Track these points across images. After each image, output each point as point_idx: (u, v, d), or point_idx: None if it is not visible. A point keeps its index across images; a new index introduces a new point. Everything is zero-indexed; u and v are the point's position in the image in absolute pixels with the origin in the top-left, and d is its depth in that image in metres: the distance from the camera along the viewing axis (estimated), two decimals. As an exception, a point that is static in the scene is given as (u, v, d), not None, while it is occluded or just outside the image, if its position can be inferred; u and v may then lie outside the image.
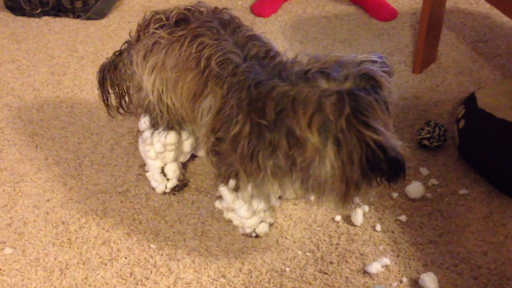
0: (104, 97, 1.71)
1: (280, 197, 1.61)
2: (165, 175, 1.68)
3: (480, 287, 1.45)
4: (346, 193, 1.16)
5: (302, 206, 1.66)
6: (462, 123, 1.78)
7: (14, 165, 1.84)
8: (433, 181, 1.72)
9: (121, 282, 1.49)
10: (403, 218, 1.62)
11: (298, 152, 1.15)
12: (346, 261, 1.52)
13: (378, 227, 1.60)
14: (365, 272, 1.49)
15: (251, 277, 1.49)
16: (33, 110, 2.06)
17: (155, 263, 1.53)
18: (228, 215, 1.52)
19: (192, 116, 1.42)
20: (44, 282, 1.50)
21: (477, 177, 1.73)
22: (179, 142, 1.61)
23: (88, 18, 2.56)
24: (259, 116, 1.17)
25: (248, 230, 1.55)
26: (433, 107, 2.00)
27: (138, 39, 1.51)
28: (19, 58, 2.33)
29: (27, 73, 2.25)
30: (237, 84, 1.26)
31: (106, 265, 1.53)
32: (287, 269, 1.51)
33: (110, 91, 1.69)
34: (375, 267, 1.48)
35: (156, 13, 1.49)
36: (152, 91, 1.47)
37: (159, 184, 1.69)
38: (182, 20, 1.45)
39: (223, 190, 1.43)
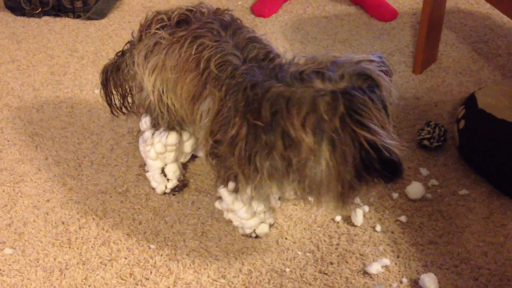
0: (108, 98, 1.71)
1: (280, 198, 1.61)
2: (165, 175, 1.68)
3: (480, 288, 1.45)
4: (343, 193, 1.15)
5: (302, 206, 1.66)
6: (462, 123, 1.78)
7: (14, 165, 1.84)
8: (433, 181, 1.72)
9: (120, 282, 1.49)
10: (403, 218, 1.62)
11: (294, 153, 1.14)
12: (346, 262, 1.52)
13: (378, 228, 1.60)
14: (365, 273, 1.49)
15: (251, 278, 1.49)
16: (33, 110, 2.06)
17: (155, 263, 1.53)
18: (228, 215, 1.52)
19: (192, 118, 1.42)
20: (44, 283, 1.50)
21: (477, 177, 1.73)
22: (180, 143, 1.61)
23: (88, 18, 2.56)
24: (255, 117, 1.17)
25: (248, 231, 1.55)
26: (433, 107, 2.00)
27: (140, 39, 1.51)
28: (19, 58, 2.33)
29: (27, 73, 2.25)
30: (235, 86, 1.26)
31: (105, 265, 1.53)
32: (287, 270, 1.51)
33: (114, 92, 1.69)
34: (375, 268, 1.48)
35: (158, 13, 1.49)
36: (153, 92, 1.47)
37: (159, 185, 1.69)
38: (183, 20, 1.45)
39: (223, 192, 1.43)
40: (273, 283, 1.48)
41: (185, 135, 1.61)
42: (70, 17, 2.58)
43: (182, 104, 1.43)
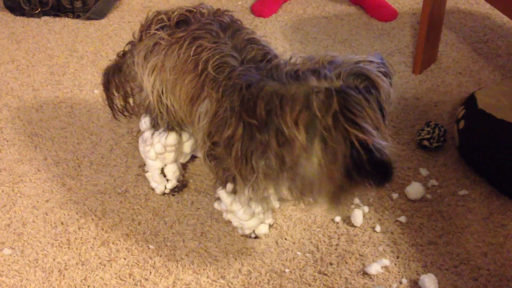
0: (110, 100, 1.71)
1: (279, 199, 1.60)
2: (164, 175, 1.68)
3: (480, 289, 1.45)
4: (334, 193, 1.14)
5: (301, 207, 1.65)
6: (462, 123, 1.78)
7: (13, 166, 1.84)
8: (433, 182, 1.72)
9: (120, 283, 1.49)
10: (402, 219, 1.62)
11: (287, 151, 1.13)
12: (346, 262, 1.52)
13: (378, 228, 1.59)
14: (364, 273, 1.49)
15: (250, 278, 1.49)
16: (33, 110, 2.06)
17: (154, 264, 1.53)
18: (227, 216, 1.52)
19: (190, 119, 1.42)
20: (43, 283, 1.49)
21: (477, 177, 1.73)
22: (179, 143, 1.61)
23: (88, 18, 2.55)
24: (250, 116, 1.15)
25: (247, 231, 1.55)
26: (433, 107, 2.00)
27: (140, 39, 1.51)
28: (18, 58, 2.33)
29: (27, 73, 2.24)
30: (231, 87, 1.26)
31: (105, 266, 1.53)
32: (287, 270, 1.51)
33: (115, 94, 1.69)
34: (374, 268, 1.48)
35: (158, 13, 1.49)
36: (152, 92, 1.47)
37: (159, 185, 1.69)
38: (183, 21, 1.45)
39: (221, 193, 1.43)
40: (272, 283, 1.48)
41: (185, 136, 1.61)
42: (70, 17, 2.57)
43: (181, 105, 1.43)
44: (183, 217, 1.65)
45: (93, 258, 1.55)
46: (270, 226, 1.59)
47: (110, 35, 2.45)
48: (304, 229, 1.61)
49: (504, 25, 2.40)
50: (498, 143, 1.66)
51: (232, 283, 1.48)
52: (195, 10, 1.47)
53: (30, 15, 2.57)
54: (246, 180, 1.27)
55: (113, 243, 1.59)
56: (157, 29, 1.45)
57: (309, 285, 1.47)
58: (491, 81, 2.10)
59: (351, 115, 1.05)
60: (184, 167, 1.79)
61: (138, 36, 1.54)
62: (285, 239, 1.58)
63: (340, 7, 2.59)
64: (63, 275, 1.51)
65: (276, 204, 1.59)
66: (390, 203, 1.67)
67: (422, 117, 1.95)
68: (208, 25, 1.41)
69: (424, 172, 1.75)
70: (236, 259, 1.54)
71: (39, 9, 2.56)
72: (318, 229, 1.60)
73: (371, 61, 1.14)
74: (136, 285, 1.48)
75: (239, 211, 1.45)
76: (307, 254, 1.54)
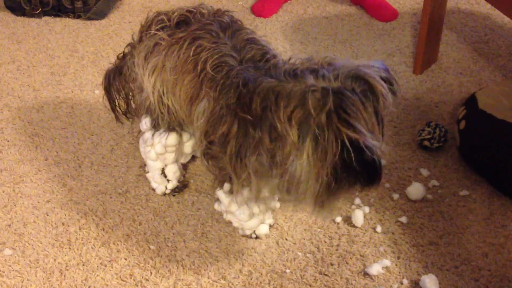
0: (112, 103, 1.71)
1: (279, 200, 1.60)
2: (165, 176, 1.68)
3: (481, 289, 1.45)
4: (320, 193, 1.13)
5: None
6: (463, 124, 1.78)
7: (14, 166, 1.84)
8: (434, 182, 1.72)
9: (121, 283, 1.49)
10: (403, 219, 1.62)
11: (278, 147, 1.12)
12: (347, 263, 1.52)
13: (379, 229, 1.59)
14: (365, 274, 1.49)
15: (251, 279, 1.49)
16: (33, 110, 2.06)
17: (155, 264, 1.53)
18: (228, 217, 1.52)
19: (190, 119, 1.42)
20: (44, 283, 1.50)
21: (478, 178, 1.73)
22: (180, 144, 1.61)
23: (89, 19, 2.55)
24: (245, 111, 1.15)
25: (248, 232, 1.55)
26: (433, 108, 2.00)
27: (140, 39, 1.51)
28: (19, 59, 2.33)
29: (27, 73, 2.24)
30: (228, 86, 1.26)
31: (106, 266, 1.53)
32: (287, 271, 1.51)
33: (117, 96, 1.69)
34: (375, 269, 1.48)
35: (159, 13, 1.49)
36: (153, 92, 1.47)
37: (159, 185, 1.69)
38: (183, 22, 1.45)
39: (220, 193, 1.44)
40: (273, 284, 1.48)
41: (185, 136, 1.61)
42: (70, 17, 2.57)
43: (181, 105, 1.43)
44: (184, 217, 1.65)
45: (94, 259, 1.55)
46: (271, 226, 1.59)
47: (110, 35, 2.45)
48: (305, 230, 1.61)
49: (505, 25, 2.40)
50: (498, 143, 1.66)
51: (233, 284, 1.48)
52: (195, 11, 1.47)
53: (31, 15, 2.58)
54: (240, 178, 1.26)
55: (113, 243, 1.59)
56: (157, 30, 1.45)
57: (310, 285, 1.47)
58: (492, 82, 2.10)
59: (345, 115, 1.05)
60: (184, 167, 1.79)
61: (138, 37, 1.54)
62: (286, 239, 1.58)
63: (341, 7, 2.59)
64: (64, 276, 1.51)
65: (276, 204, 1.59)
66: (391, 204, 1.67)
67: (423, 118, 1.95)
68: (208, 25, 1.41)
69: (425, 172, 1.75)
70: (237, 259, 1.54)
71: (40, 9, 2.56)
72: (319, 230, 1.60)
73: (371, 66, 1.14)
74: (137, 285, 1.48)
75: (238, 211, 1.45)
76: (308, 255, 1.54)
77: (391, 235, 1.58)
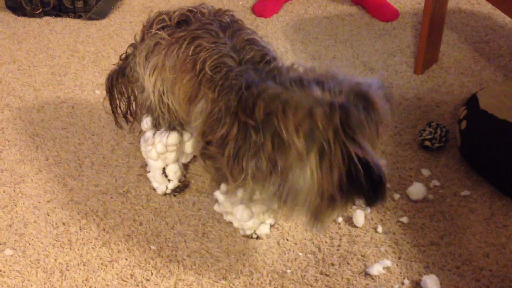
0: (113, 105, 1.71)
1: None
2: (166, 176, 1.68)
3: (482, 289, 1.45)
4: (319, 207, 1.14)
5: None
6: (464, 124, 1.78)
7: (15, 166, 1.84)
8: (435, 182, 1.72)
9: (121, 283, 1.49)
10: (404, 219, 1.61)
11: (281, 156, 1.13)
12: (348, 263, 1.52)
13: (380, 229, 1.59)
14: (366, 274, 1.49)
15: (252, 279, 1.49)
16: (34, 110, 2.06)
17: (155, 264, 1.53)
18: (228, 217, 1.52)
19: (188, 119, 1.42)
20: (45, 284, 1.49)
21: (479, 178, 1.73)
22: (181, 143, 1.61)
23: (89, 18, 2.55)
24: (247, 115, 1.15)
25: (248, 232, 1.55)
26: (434, 108, 1.99)
27: (142, 39, 1.52)
28: (20, 59, 2.33)
29: (28, 73, 2.24)
30: (228, 88, 1.25)
31: (106, 266, 1.53)
32: (288, 271, 1.50)
33: (119, 97, 1.69)
34: (376, 269, 1.48)
35: (160, 13, 1.50)
36: (153, 92, 1.47)
37: (160, 185, 1.69)
38: (183, 21, 1.45)
39: (218, 194, 1.44)
40: (274, 284, 1.47)
41: (186, 136, 1.61)
42: (71, 17, 2.57)
43: (180, 105, 1.43)
44: (185, 217, 1.65)
45: (95, 259, 1.55)
46: (271, 226, 1.59)
47: (111, 35, 2.45)
48: (305, 230, 1.60)
49: (506, 25, 2.40)
50: (500, 143, 1.66)
51: (234, 284, 1.48)
52: (196, 10, 1.47)
53: (32, 15, 2.57)
54: (236, 180, 1.26)
55: (114, 243, 1.59)
56: (158, 29, 1.46)
57: (311, 286, 1.47)
58: (493, 81, 2.09)
59: (352, 132, 1.07)
60: (185, 167, 1.79)
61: (140, 37, 1.54)
62: (287, 239, 1.58)
63: (342, 7, 2.58)
64: (65, 276, 1.51)
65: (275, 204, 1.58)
66: (392, 204, 1.66)
67: (424, 118, 1.95)
68: (208, 25, 1.41)
69: (426, 172, 1.75)
70: (237, 260, 1.53)
71: (41, 9, 2.56)
72: (320, 230, 1.60)
73: (370, 84, 1.15)
74: (138, 285, 1.48)
75: (238, 211, 1.45)
76: (309, 255, 1.54)
77: (392, 235, 1.58)
